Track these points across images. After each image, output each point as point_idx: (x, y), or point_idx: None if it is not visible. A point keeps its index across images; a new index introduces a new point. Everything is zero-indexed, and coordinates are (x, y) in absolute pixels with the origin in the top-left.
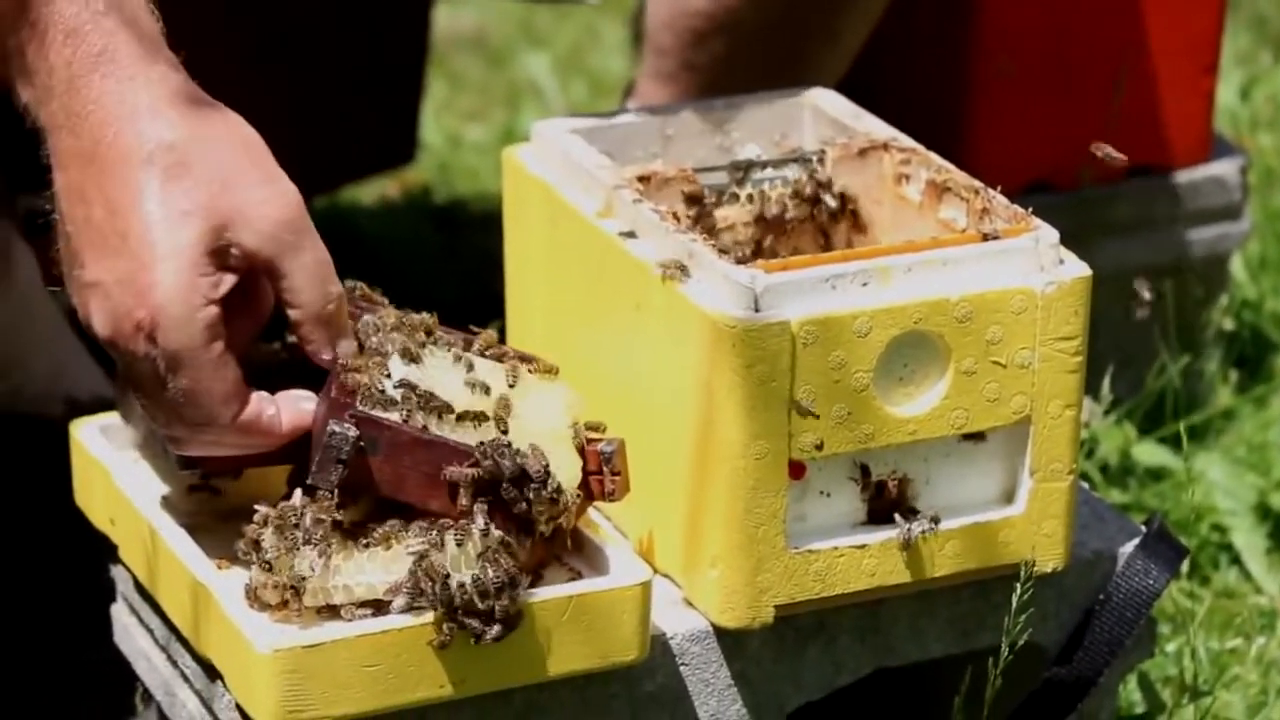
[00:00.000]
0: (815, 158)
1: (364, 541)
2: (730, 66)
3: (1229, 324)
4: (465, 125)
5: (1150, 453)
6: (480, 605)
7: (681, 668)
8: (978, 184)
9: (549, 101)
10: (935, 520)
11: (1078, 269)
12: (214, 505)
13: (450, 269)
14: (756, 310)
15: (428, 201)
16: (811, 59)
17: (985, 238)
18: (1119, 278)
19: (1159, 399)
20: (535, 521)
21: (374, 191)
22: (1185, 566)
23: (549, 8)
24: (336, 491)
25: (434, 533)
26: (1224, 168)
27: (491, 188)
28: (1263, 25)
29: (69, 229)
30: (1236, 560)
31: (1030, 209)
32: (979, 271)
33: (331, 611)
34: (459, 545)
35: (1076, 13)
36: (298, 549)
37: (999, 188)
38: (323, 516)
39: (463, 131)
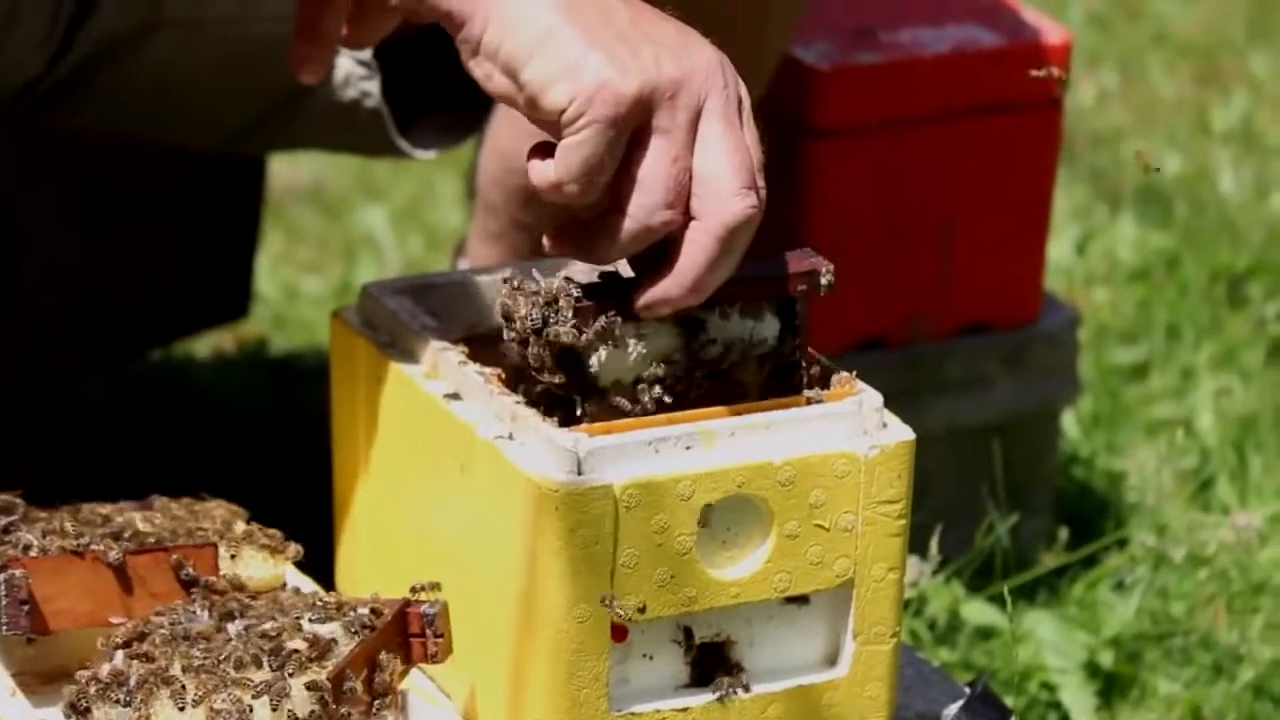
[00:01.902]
0: None
1: (182, 703)
2: None
3: (1059, 481)
4: (302, 278)
5: (979, 611)
6: None
7: None
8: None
9: (385, 255)
10: (747, 686)
11: (901, 433)
12: (40, 665)
13: (285, 423)
14: (580, 474)
15: (263, 355)
16: None
17: (808, 402)
18: (950, 435)
19: (988, 557)
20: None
21: (209, 344)
22: None
23: (385, 162)
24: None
25: (248, 696)
26: (1055, 325)
27: (327, 341)
28: (1100, 179)
29: None
30: (1066, 719)
31: (855, 371)
32: (802, 435)
33: None
34: (274, 710)
35: (907, 172)
36: (121, 710)
37: (827, 348)
38: (151, 675)
39: (299, 284)
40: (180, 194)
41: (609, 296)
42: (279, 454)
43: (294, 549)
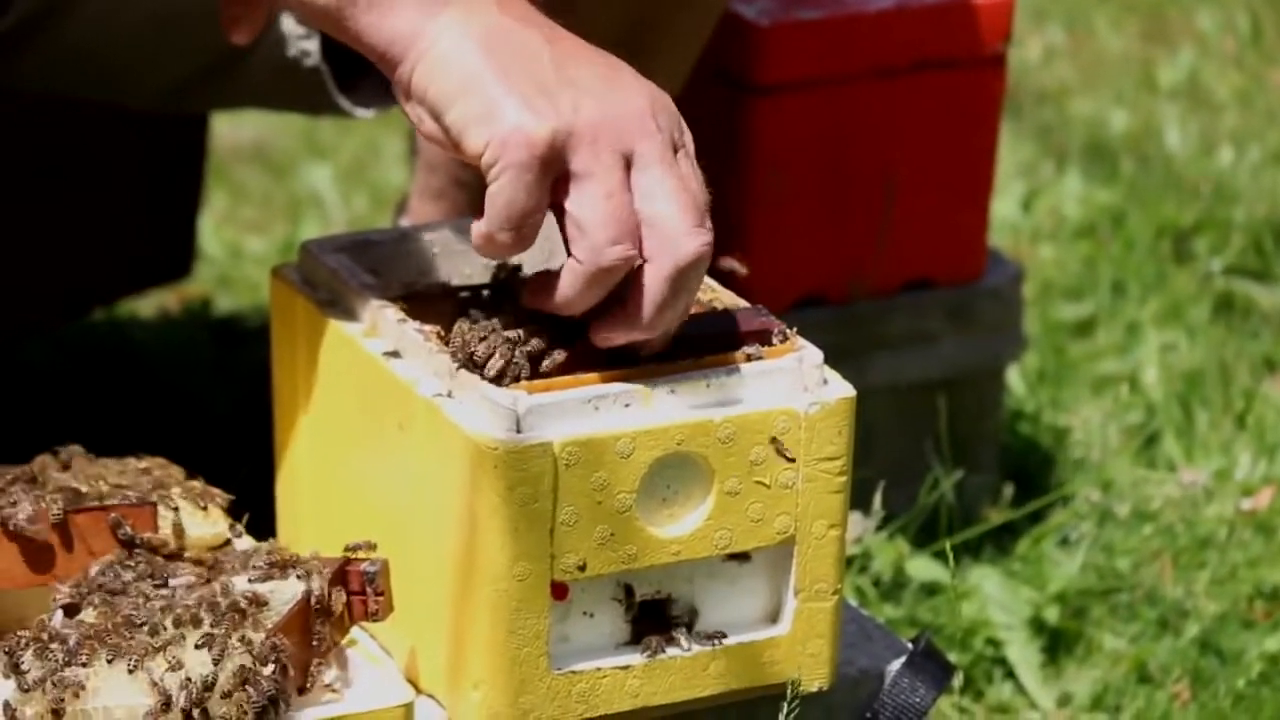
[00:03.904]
0: None
1: (121, 663)
2: None
3: (1004, 437)
4: (246, 237)
5: (923, 567)
6: None
7: None
8: (744, 303)
9: (330, 213)
10: (699, 638)
11: (841, 389)
12: None
13: (228, 382)
14: (518, 431)
15: (207, 314)
16: None
17: (748, 358)
18: (893, 391)
19: (933, 513)
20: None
21: (153, 304)
22: (959, 681)
23: (330, 120)
24: None
25: (194, 651)
26: (1000, 281)
27: None
28: (1047, 135)
29: None
30: (1011, 675)
31: (794, 327)
32: (742, 392)
33: None
34: (216, 664)
35: (849, 126)
36: (60, 670)
37: (769, 305)
38: (90, 635)
39: (243, 243)
40: (124, 154)
41: (561, 334)
42: (223, 414)
43: (222, 496)
